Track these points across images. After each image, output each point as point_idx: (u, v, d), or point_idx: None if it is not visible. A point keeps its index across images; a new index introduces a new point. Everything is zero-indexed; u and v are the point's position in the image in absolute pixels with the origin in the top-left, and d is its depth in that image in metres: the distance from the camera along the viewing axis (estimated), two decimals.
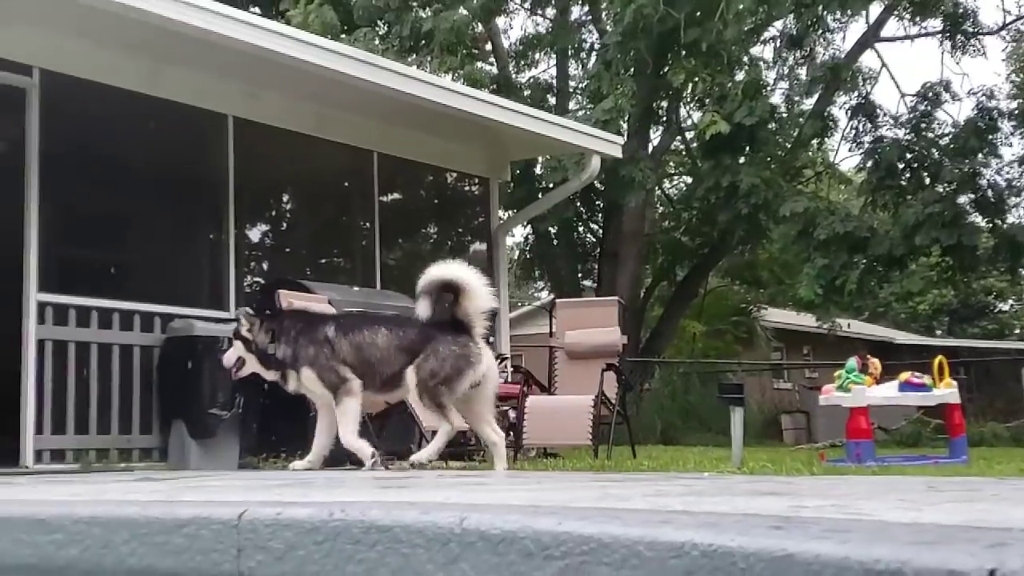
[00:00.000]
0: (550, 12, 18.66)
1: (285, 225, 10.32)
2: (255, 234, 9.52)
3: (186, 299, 8.03)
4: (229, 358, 6.08)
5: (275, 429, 7.65)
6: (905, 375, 7.42)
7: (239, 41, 7.09)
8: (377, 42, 14.65)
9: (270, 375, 6.08)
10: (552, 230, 18.23)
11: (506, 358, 9.82)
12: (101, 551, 1.61)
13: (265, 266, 9.31)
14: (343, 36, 13.87)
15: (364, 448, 5.69)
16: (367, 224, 9.72)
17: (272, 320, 6.09)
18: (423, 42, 14.78)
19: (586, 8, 17.94)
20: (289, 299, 7.35)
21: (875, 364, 7.51)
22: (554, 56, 18.20)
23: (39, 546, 1.67)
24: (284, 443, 7.27)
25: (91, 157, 7.73)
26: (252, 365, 6.03)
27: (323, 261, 10.33)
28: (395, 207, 10.44)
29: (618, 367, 7.80)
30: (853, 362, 7.30)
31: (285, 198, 10.20)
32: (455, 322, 5.75)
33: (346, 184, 10.19)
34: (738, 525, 1.41)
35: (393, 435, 7.21)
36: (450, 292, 5.71)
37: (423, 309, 5.67)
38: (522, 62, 18.79)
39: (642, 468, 5.69)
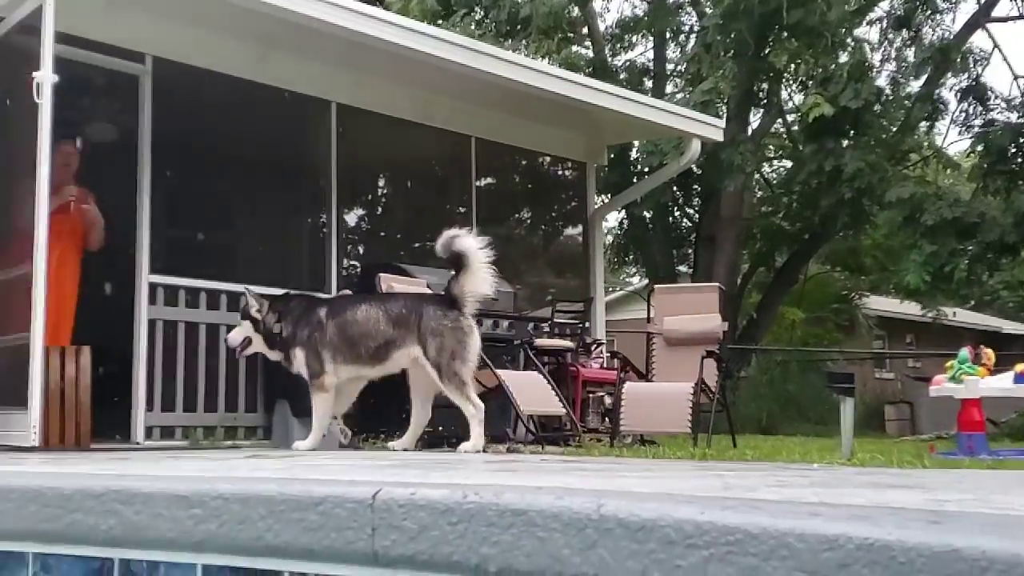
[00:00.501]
0: None
1: (384, 209, 10.42)
2: (355, 218, 9.64)
3: (290, 281, 8.17)
4: (235, 338, 6.28)
5: (374, 409, 7.76)
6: (1020, 366, 7.17)
7: (343, 28, 7.16)
8: (473, 27, 14.67)
9: (273, 355, 6.28)
10: (647, 215, 18.05)
11: (602, 343, 9.79)
12: (239, 527, 1.63)
13: (364, 249, 9.42)
14: (440, 22, 13.92)
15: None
16: (464, 208, 9.76)
17: (277, 302, 6.28)
18: (519, 27, 14.74)
19: None
20: (389, 282, 7.43)
21: (988, 355, 7.28)
22: (651, 39, 17.99)
23: (178, 521, 1.70)
24: (384, 423, 7.37)
25: (199, 142, 7.91)
26: (258, 345, 6.25)
27: (420, 245, 10.40)
28: (492, 191, 10.46)
29: (718, 354, 7.71)
30: (965, 352, 7.08)
31: (384, 183, 10.30)
32: (448, 297, 5.88)
33: (444, 169, 10.24)
34: (893, 518, 1.36)
35: (489, 418, 7.23)
36: (456, 264, 5.81)
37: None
38: (618, 45, 18.60)
39: (745, 457, 5.60)
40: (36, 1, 5.73)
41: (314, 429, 6.00)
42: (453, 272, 5.87)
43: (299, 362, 6.05)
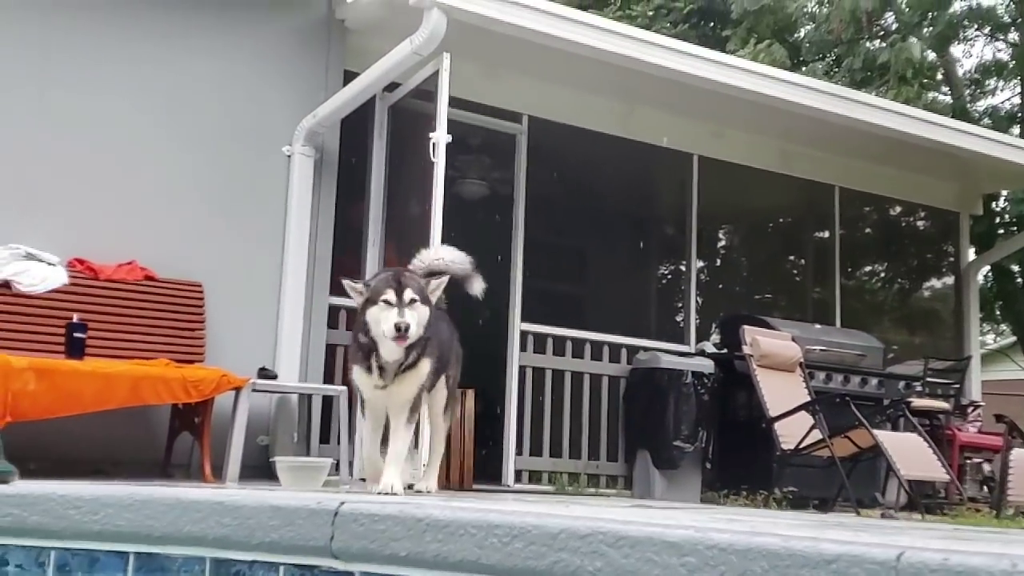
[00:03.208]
0: (1012, 36, 17.12)
1: (740, 261, 10.30)
2: (713, 270, 9.59)
3: (649, 332, 8.24)
4: (412, 323, 4.30)
5: (733, 465, 7.60)
6: None
7: (708, 80, 7.19)
8: (824, 76, 14.25)
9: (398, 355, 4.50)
10: (1015, 268, 16.58)
11: (981, 406, 9.07)
12: None
13: (721, 302, 9.31)
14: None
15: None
16: (826, 260, 9.43)
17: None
18: (872, 73, 14.14)
19: None
20: (753, 335, 7.28)
21: None
22: (1018, 83, 16.67)
23: (669, 567, 1.68)
24: (744, 480, 7.20)
25: (566, 196, 8.24)
26: (414, 332, 4.33)
27: (777, 297, 10.17)
28: (855, 242, 10.02)
29: None
30: None
31: (742, 235, 10.19)
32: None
33: (805, 220, 9.98)
34: None
35: (857, 481, 6.87)
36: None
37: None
38: (977, 90, 17.41)
39: None
40: (432, 68, 6.18)
41: (396, 462, 4.36)
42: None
43: (419, 376, 4.48)
